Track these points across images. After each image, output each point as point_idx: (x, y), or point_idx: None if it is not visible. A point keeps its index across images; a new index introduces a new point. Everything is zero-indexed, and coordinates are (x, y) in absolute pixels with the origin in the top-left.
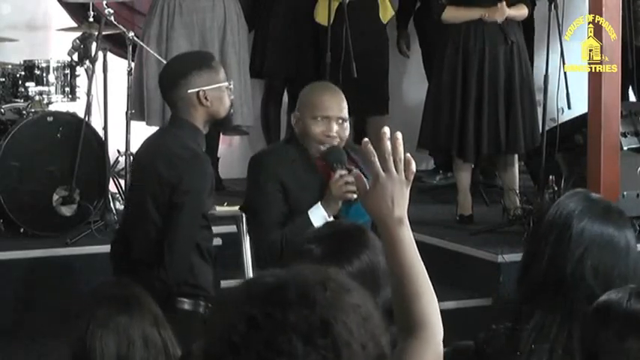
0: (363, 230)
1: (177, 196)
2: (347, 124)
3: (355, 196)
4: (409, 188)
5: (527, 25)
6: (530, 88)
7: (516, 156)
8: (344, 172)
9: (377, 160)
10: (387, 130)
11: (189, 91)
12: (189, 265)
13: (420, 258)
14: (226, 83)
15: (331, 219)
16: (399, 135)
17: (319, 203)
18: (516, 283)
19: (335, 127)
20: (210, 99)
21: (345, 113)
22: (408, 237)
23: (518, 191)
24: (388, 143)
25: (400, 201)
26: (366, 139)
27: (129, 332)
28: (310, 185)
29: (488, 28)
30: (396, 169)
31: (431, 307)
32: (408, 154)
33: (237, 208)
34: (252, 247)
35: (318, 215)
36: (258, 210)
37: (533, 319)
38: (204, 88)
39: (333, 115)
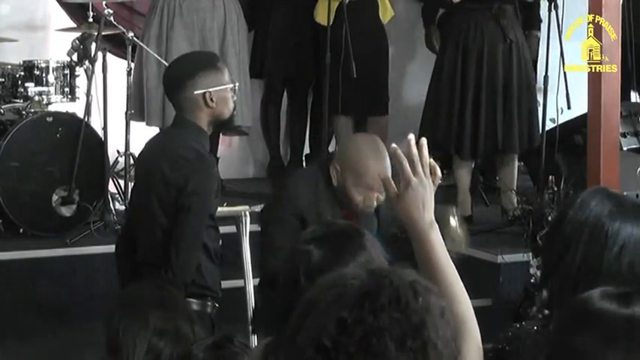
0: (359, 231)
1: (184, 197)
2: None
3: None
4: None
5: (529, 22)
6: (530, 87)
7: (515, 156)
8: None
9: (407, 164)
10: (412, 136)
11: (195, 92)
12: (197, 265)
13: (450, 259)
14: (231, 84)
15: None
16: (423, 141)
17: None
18: (541, 284)
19: (376, 195)
20: (216, 100)
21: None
22: (438, 240)
23: (516, 191)
24: (415, 149)
25: (429, 205)
26: (393, 145)
27: (162, 329)
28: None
29: (488, 26)
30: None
31: (467, 305)
32: (432, 160)
33: (237, 208)
34: (260, 274)
35: None
36: (271, 241)
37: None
38: (211, 90)
39: (377, 186)
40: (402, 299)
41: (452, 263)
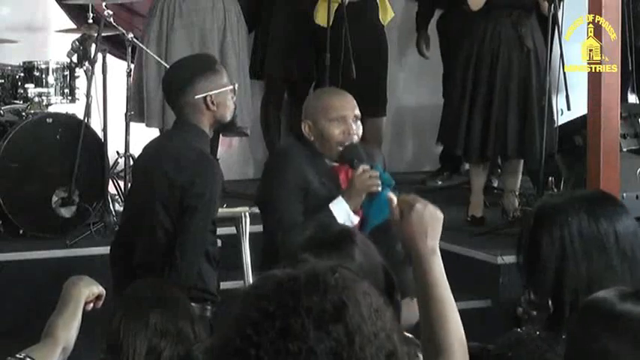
0: (351, 237)
1: (189, 199)
2: (360, 122)
3: (380, 188)
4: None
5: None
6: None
7: (522, 161)
8: (367, 166)
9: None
10: None
11: (196, 96)
12: (199, 269)
13: (448, 287)
14: (231, 86)
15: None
16: None
17: (341, 197)
18: (538, 297)
19: (353, 126)
20: (217, 103)
21: (358, 111)
22: (438, 266)
23: (517, 193)
24: None
25: (434, 233)
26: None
27: (162, 329)
28: (328, 183)
29: (506, 32)
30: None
31: (455, 333)
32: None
33: (236, 209)
34: (265, 242)
35: (341, 209)
36: (280, 206)
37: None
38: (211, 93)
39: (348, 114)
40: (320, 279)
41: (449, 291)
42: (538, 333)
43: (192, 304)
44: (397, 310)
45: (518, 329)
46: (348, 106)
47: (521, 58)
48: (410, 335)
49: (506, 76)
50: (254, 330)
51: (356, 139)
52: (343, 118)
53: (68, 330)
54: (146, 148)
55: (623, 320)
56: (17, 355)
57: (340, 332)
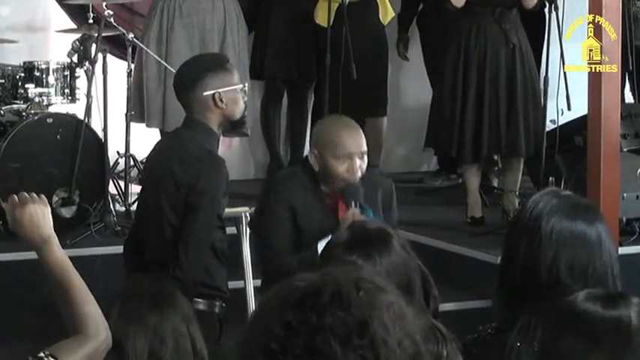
0: (388, 231)
1: (193, 196)
2: (366, 157)
3: None
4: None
5: (535, 27)
6: (534, 91)
7: (521, 159)
8: (357, 210)
9: None
10: None
11: (204, 93)
12: (206, 266)
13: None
14: (241, 85)
15: None
16: None
17: (330, 237)
18: (497, 286)
19: (358, 163)
20: (226, 101)
21: (365, 146)
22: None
23: (517, 193)
24: None
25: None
26: None
27: (160, 329)
28: (316, 214)
29: (491, 30)
30: None
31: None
32: None
33: (237, 209)
34: (261, 269)
35: None
36: (270, 235)
37: (518, 323)
38: (220, 90)
39: (355, 152)
40: (344, 296)
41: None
42: (489, 331)
43: (200, 300)
44: (434, 302)
45: (480, 327)
46: (357, 144)
47: (507, 54)
48: (443, 328)
49: (495, 74)
50: (279, 346)
51: (359, 175)
52: (350, 156)
53: (94, 318)
54: (156, 146)
55: (582, 319)
56: (39, 355)
57: (365, 347)
